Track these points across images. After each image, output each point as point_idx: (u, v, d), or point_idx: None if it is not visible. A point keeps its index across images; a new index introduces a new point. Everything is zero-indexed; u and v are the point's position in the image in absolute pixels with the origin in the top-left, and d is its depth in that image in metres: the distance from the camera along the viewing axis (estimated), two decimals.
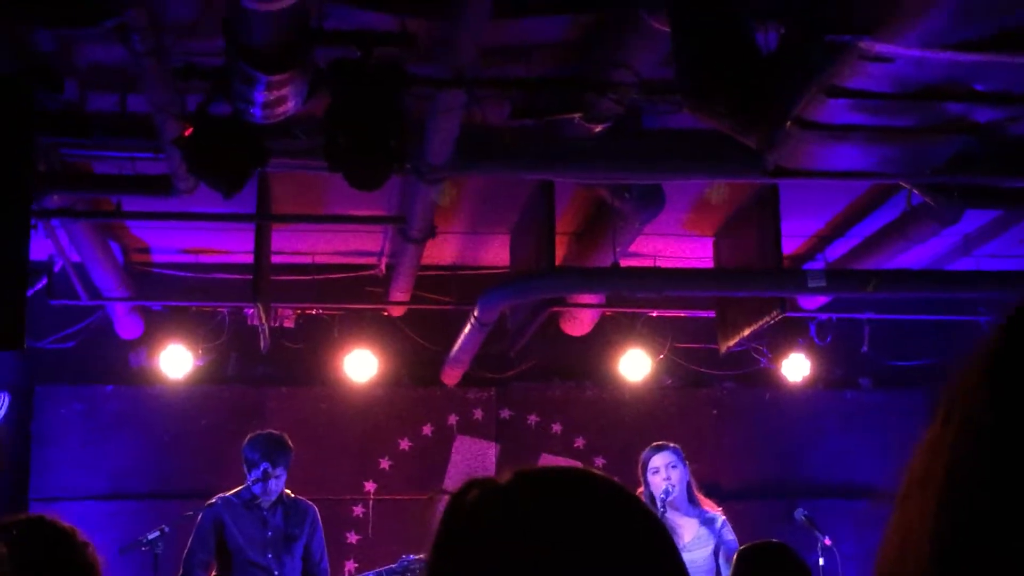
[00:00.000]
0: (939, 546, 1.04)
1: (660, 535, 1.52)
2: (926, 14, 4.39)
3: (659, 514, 7.22)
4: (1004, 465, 1.02)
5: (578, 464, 10.79)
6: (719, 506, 7.77)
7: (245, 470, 7.87)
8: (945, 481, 1.05)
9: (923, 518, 1.06)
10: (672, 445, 7.66)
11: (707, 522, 7.56)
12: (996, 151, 6.58)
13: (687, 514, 7.56)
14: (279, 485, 7.86)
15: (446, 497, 1.55)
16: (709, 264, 9.90)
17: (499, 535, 1.47)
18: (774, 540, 5.69)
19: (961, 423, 1.06)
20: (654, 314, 10.85)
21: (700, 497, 7.68)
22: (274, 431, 8.03)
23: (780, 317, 8.82)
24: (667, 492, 7.43)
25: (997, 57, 4.66)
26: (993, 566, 1.00)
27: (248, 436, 7.93)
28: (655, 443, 7.72)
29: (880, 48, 4.62)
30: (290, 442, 7.89)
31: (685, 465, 7.61)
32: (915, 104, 5.11)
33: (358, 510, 10.71)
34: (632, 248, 9.10)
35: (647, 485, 7.54)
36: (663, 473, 7.51)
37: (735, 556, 5.68)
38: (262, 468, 7.76)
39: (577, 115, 6.66)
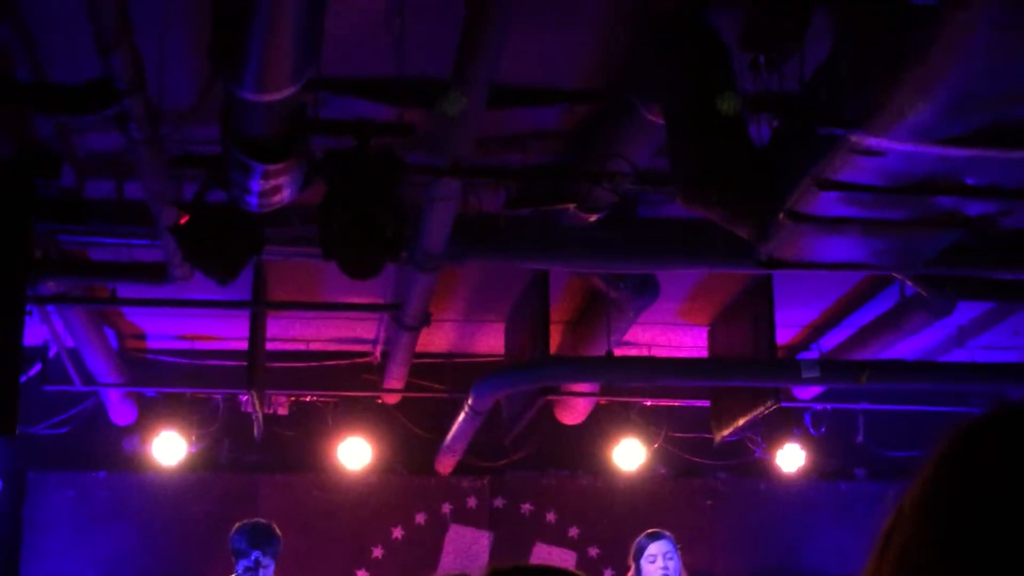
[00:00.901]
0: None
1: None
2: (917, 109, 4.42)
3: None
4: None
5: (572, 553, 10.74)
6: None
7: (234, 560, 7.80)
8: None
9: None
10: (667, 534, 7.63)
11: None
12: (988, 244, 6.62)
13: None
14: (268, 574, 7.79)
15: None
16: (704, 353, 9.90)
17: None
18: None
19: (899, 552, 1.07)
20: (648, 403, 10.84)
21: None
22: (261, 520, 7.98)
23: (775, 407, 8.81)
24: None
25: (987, 152, 4.69)
26: None
27: (236, 525, 7.87)
28: (651, 530, 7.69)
29: (871, 142, 4.65)
30: (278, 530, 7.85)
31: (679, 555, 7.57)
32: (906, 197, 5.13)
33: None
34: (626, 337, 9.10)
35: (640, 573, 7.49)
36: (660, 562, 7.47)
37: None
38: (253, 557, 7.69)
39: (572, 204, 6.69)
